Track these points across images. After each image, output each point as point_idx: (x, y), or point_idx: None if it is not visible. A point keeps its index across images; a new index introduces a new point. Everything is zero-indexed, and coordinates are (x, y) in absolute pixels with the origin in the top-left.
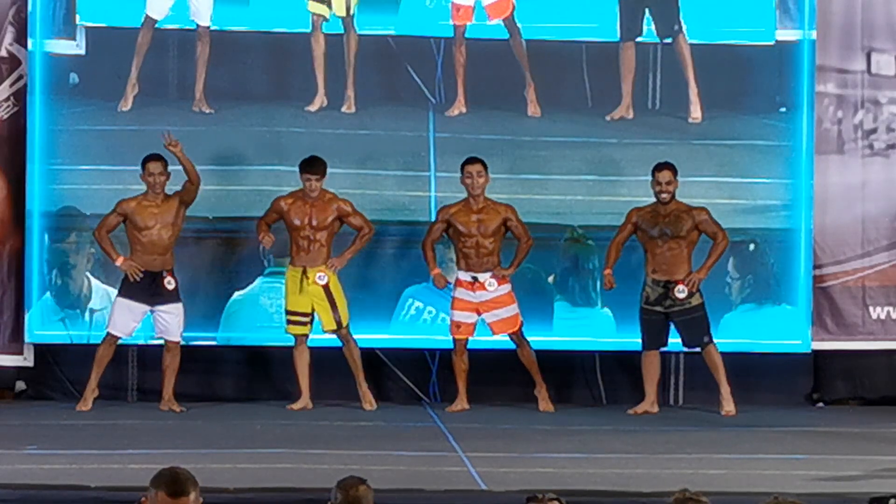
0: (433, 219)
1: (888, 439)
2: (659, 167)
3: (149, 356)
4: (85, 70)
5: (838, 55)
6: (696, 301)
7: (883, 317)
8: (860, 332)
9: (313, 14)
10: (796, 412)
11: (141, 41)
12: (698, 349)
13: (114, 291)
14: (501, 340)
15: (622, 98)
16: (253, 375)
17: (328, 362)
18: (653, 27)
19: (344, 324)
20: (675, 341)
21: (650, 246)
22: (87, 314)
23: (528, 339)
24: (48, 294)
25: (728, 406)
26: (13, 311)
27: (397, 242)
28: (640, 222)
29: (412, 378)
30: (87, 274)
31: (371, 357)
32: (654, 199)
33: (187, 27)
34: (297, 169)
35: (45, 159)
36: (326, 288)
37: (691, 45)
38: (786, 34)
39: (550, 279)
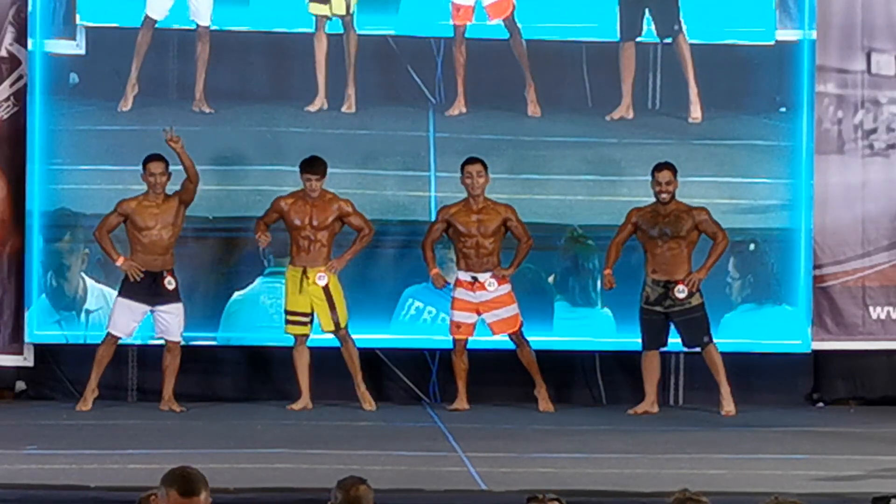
0: (433, 219)
1: (888, 439)
2: (659, 167)
3: (149, 356)
4: (85, 70)
5: (838, 55)
6: (696, 301)
7: (883, 317)
8: (860, 332)
9: (316, 15)
10: (796, 412)
11: (141, 41)
12: (698, 349)
13: (110, 291)
14: (501, 340)
15: (622, 98)
16: (253, 375)
17: (328, 362)
18: (653, 27)
19: (342, 325)
20: (675, 341)
21: (650, 246)
22: (82, 315)
23: (528, 339)
24: (45, 295)
25: (728, 406)
26: (13, 311)
27: (397, 242)
28: (640, 222)
29: (412, 378)
30: (82, 274)
31: (371, 357)
32: (654, 199)
33: (187, 27)
34: (297, 169)
35: (45, 159)
36: (326, 289)
37: (691, 45)
38: (786, 34)
39: (550, 279)
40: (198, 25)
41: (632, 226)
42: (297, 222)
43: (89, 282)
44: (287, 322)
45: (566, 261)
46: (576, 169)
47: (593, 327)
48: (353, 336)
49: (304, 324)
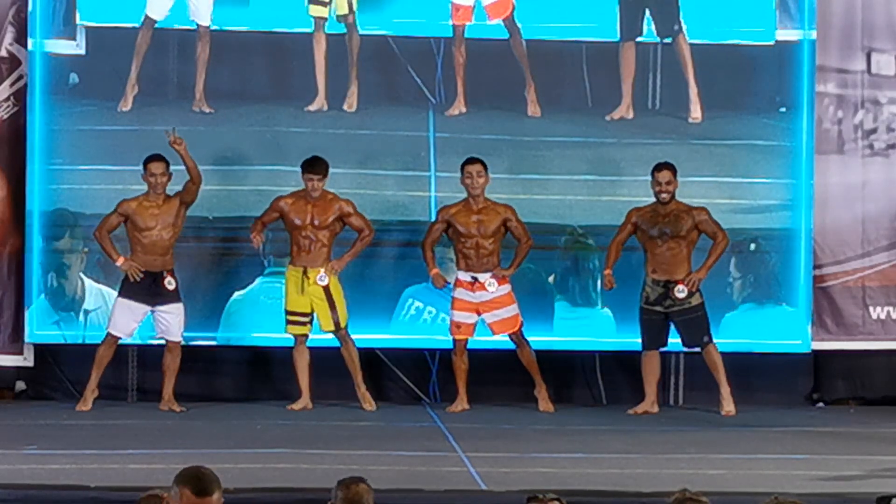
0: (433, 219)
1: (888, 439)
2: (659, 167)
3: (149, 356)
4: (85, 70)
5: (838, 55)
6: (695, 301)
7: (883, 317)
8: (860, 332)
9: (315, 17)
10: (796, 412)
11: (141, 41)
12: (698, 349)
13: (109, 291)
14: (501, 340)
15: (622, 98)
16: (253, 375)
17: (328, 362)
18: (653, 27)
19: (342, 325)
20: (675, 341)
21: (650, 246)
22: (81, 315)
23: (529, 339)
24: (45, 295)
25: (728, 406)
26: (13, 311)
27: (397, 242)
28: (640, 222)
29: (412, 378)
30: (81, 275)
31: (371, 357)
32: (654, 199)
33: (187, 27)
34: (297, 169)
35: (45, 159)
36: (326, 289)
37: (691, 45)
38: (786, 34)
39: (550, 279)
40: (198, 25)
41: (632, 226)
42: (298, 222)
43: (88, 282)
44: (287, 322)
45: (566, 261)
46: (576, 169)
47: (593, 327)
48: (353, 336)
49: (304, 324)
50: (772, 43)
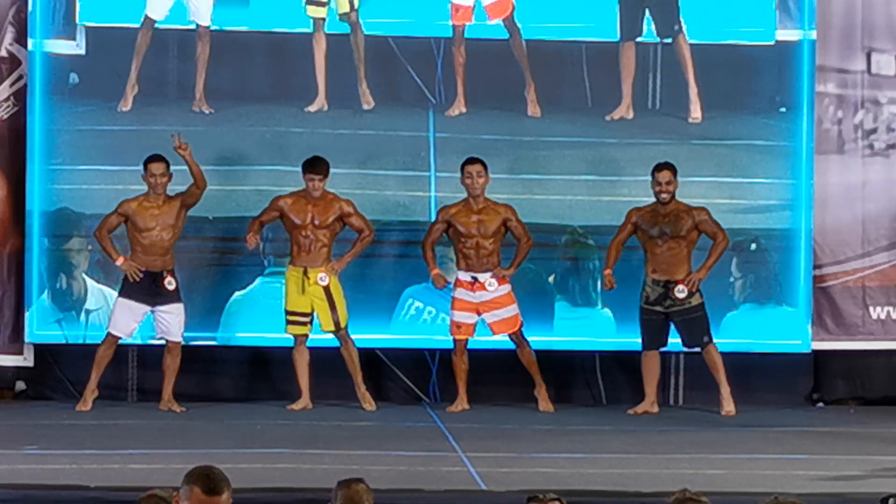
0: (433, 219)
1: (888, 439)
2: (659, 167)
3: (149, 356)
4: (85, 70)
5: (838, 55)
6: (695, 301)
7: (883, 317)
8: (860, 332)
9: (314, 18)
10: (796, 412)
11: (141, 41)
12: (698, 349)
13: (110, 292)
14: (501, 340)
15: (622, 98)
16: (253, 375)
17: (328, 362)
18: (653, 27)
19: (343, 325)
20: (675, 341)
21: (650, 246)
22: (82, 315)
23: (529, 339)
24: (45, 295)
25: (728, 406)
26: (13, 311)
27: (397, 242)
28: (640, 222)
29: (412, 378)
30: (84, 275)
31: (371, 357)
32: (654, 199)
33: (187, 27)
34: (297, 169)
35: (45, 159)
36: (327, 289)
37: (691, 45)
38: (786, 34)
39: (550, 279)
40: (198, 25)
41: (632, 226)
42: (298, 222)
43: (90, 282)
44: (287, 322)
45: (566, 261)
46: (576, 169)
47: (593, 327)
48: (353, 336)
49: (304, 324)
50: (772, 43)
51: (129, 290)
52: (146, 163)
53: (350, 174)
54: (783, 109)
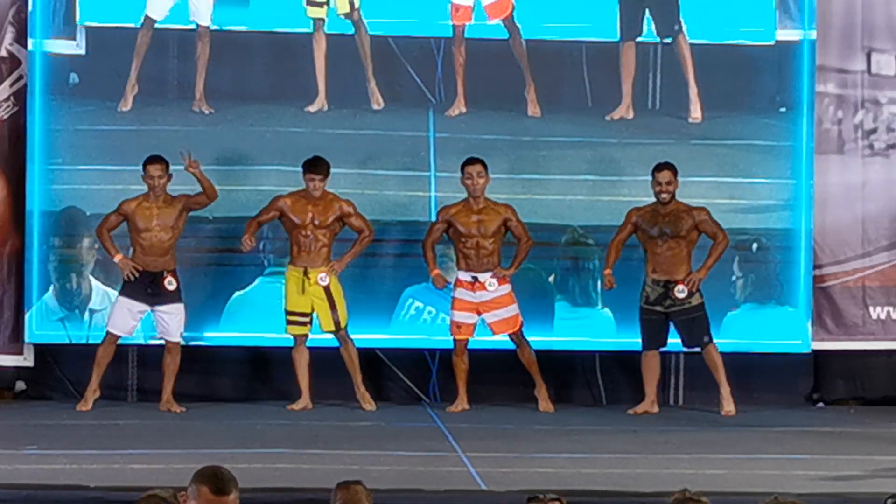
0: (433, 219)
1: (888, 439)
2: (659, 167)
3: (149, 356)
4: (85, 70)
5: (838, 55)
6: (695, 301)
7: (883, 317)
8: (860, 332)
9: (313, 18)
10: (796, 412)
11: (141, 41)
12: (698, 349)
13: (114, 293)
14: (501, 340)
15: (622, 98)
16: (253, 375)
17: (328, 362)
18: (653, 27)
19: (343, 325)
20: (675, 341)
21: (650, 246)
22: (86, 314)
23: (529, 339)
24: (50, 294)
25: (728, 406)
26: (13, 311)
27: (397, 242)
28: (640, 222)
29: (412, 378)
30: (90, 276)
31: (371, 357)
32: (654, 199)
33: (187, 27)
34: (297, 169)
35: (45, 159)
36: (327, 289)
37: (691, 45)
38: (786, 34)
39: (551, 279)
40: (198, 25)
41: (632, 225)
42: (298, 221)
43: (94, 282)
44: (287, 322)
45: (566, 261)
46: (576, 169)
47: (593, 327)
48: (353, 336)
49: (304, 324)
50: (772, 43)
51: (129, 289)
52: (145, 164)
53: (350, 174)
54: (783, 109)
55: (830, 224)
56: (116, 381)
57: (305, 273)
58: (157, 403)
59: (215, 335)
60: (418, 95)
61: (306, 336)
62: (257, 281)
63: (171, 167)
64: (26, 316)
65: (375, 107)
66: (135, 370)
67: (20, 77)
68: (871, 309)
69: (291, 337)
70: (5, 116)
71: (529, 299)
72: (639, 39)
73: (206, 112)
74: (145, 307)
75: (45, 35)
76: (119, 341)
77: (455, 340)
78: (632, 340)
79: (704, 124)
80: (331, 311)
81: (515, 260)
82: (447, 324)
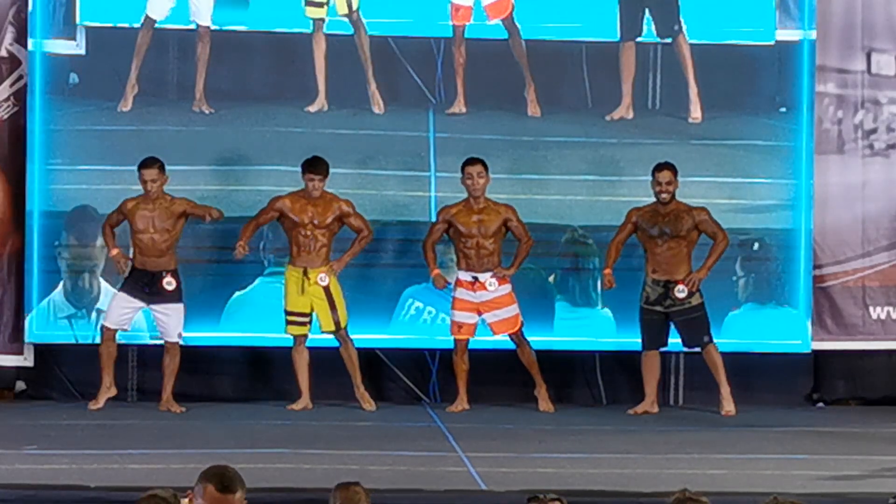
0: (433, 219)
1: (888, 439)
2: (659, 167)
3: (149, 356)
4: (85, 70)
5: (838, 55)
6: (696, 301)
7: (883, 317)
8: (860, 332)
9: (313, 19)
10: (796, 412)
11: (141, 41)
12: (698, 349)
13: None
14: (502, 340)
15: (622, 98)
16: (253, 375)
17: (328, 362)
18: (653, 27)
19: (342, 325)
20: (675, 341)
21: (650, 246)
22: (93, 314)
23: (529, 339)
24: (58, 291)
25: (728, 406)
26: (13, 311)
27: (397, 243)
28: (640, 222)
29: (412, 378)
30: (101, 276)
31: (371, 357)
32: (654, 199)
33: (187, 27)
34: (297, 169)
35: (45, 159)
36: (327, 289)
37: (691, 45)
38: (786, 34)
39: (551, 279)
40: (198, 25)
41: (632, 225)
42: (298, 221)
43: (104, 284)
44: (287, 322)
45: (566, 261)
46: (576, 169)
47: (593, 327)
48: (353, 336)
49: (304, 324)
50: (772, 43)
51: (128, 286)
52: (139, 168)
53: (350, 174)
54: (783, 109)
55: (830, 224)
56: (117, 381)
57: (305, 273)
58: (157, 403)
59: (215, 335)
60: (418, 95)
61: (306, 336)
62: (257, 281)
63: (171, 167)
64: (28, 315)
65: (376, 110)
66: (135, 370)
67: (20, 77)
68: (871, 309)
69: (291, 337)
70: (5, 116)
71: (529, 299)
72: (639, 39)
73: (206, 112)
74: (142, 304)
75: (45, 35)
76: (119, 339)
77: (456, 340)
78: (632, 340)
79: (704, 124)
80: (330, 311)
81: (516, 260)
82: (447, 324)
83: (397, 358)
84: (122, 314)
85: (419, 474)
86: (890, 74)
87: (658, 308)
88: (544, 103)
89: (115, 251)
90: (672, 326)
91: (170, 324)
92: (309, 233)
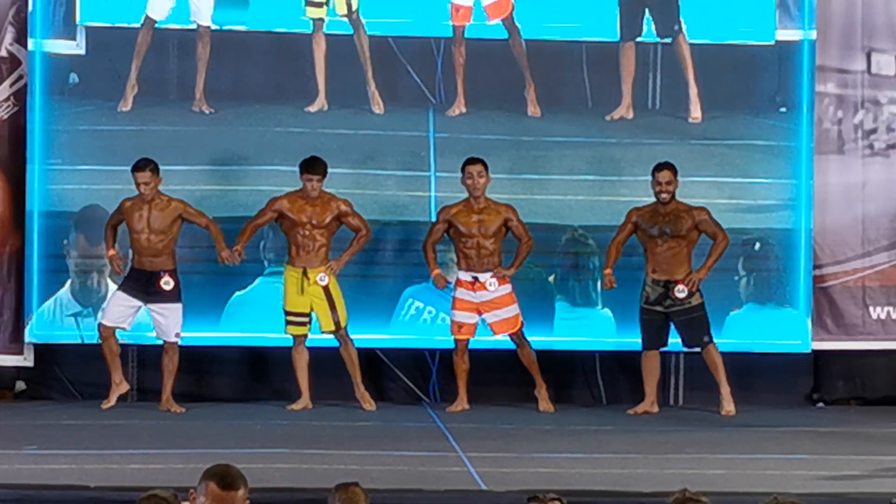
0: (433, 219)
1: (888, 439)
2: (659, 167)
3: (149, 356)
4: (85, 70)
5: (838, 55)
6: (696, 301)
7: (883, 317)
8: (860, 332)
9: (313, 19)
10: (796, 412)
11: (141, 41)
12: (698, 349)
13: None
14: (502, 340)
15: (622, 98)
16: (252, 375)
17: (328, 362)
18: (653, 27)
19: (342, 325)
20: (675, 341)
21: (650, 245)
22: (100, 313)
23: (529, 339)
24: (65, 290)
25: (728, 406)
26: (13, 311)
27: (397, 243)
28: (640, 222)
29: (412, 378)
30: (108, 276)
31: (371, 357)
32: (654, 199)
33: (187, 27)
34: (296, 169)
35: (45, 159)
36: (326, 289)
37: (691, 45)
38: (786, 34)
39: (551, 279)
40: (198, 25)
41: (632, 225)
42: (296, 221)
43: (112, 285)
44: (287, 323)
45: (566, 261)
46: (576, 169)
47: (593, 327)
48: (353, 336)
49: (304, 324)
50: (772, 43)
51: (127, 285)
52: (132, 170)
53: (350, 174)
54: (783, 109)
55: (830, 224)
56: None
57: (304, 273)
58: (156, 403)
59: (215, 335)
60: (418, 95)
61: (306, 336)
62: (257, 281)
63: (171, 167)
64: (34, 313)
65: (376, 110)
66: (134, 370)
67: (20, 77)
68: (871, 309)
69: (291, 337)
70: (5, 116)
71: (529, 299)
72: (639, 39)
73: (206, 112)
74: (140, 304)
75: (45, 35)
76: (122, 339)
77: (456, 340)
78: (632, 340)
79: (704, 124)
80: (330, 311)
81: (516, 260)
82: (447, 324)
83: (397, 358)
84: (120, 312)
85: (419, 474)
86: (890, 74)
87: (658, 308)
88: (544, 103)
89: (111, 252)
90: (672, 326)
91: (167, 324)
92: (307, 233)
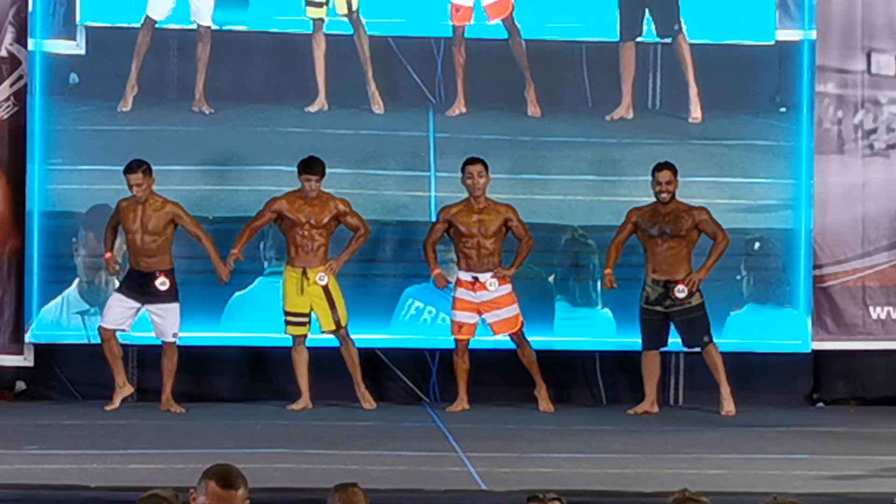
0: (433, 219)
1: (888, 439)
2: (659, 167)
3: (149, 356)
4: (85, 70)
5: (838, 55)
6: (696, 301)
7: (883, 317)
8: (860, 332)
9: (313, 19)
10: (796, 412)
11: (141, 41)
12: (698, 349)
13: None
14: (502, 340)
15: (622, 98)
16: (252, 375)
17: (327, 362)
18: (653, 27)
19: (343, 324)
20: (675, 341)
21: (650, 245)
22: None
23: (529, 339)
24: (73, 288)
25: (728, 406)
26: (13, 311)
27: (397, 243)
28: (640, 222)
29: (412, 378)
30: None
31: (371, 357)
32: (654, 199)
33: (187, 27)
34: (296, 169)
35: (45, 159)
36: (326, 288)
37: (691, 45)
38: (786, 34)
39: (551, 279)
40: (198, 25)
41: (632, 225)
42: (295, 221)
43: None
44: (286, 323)
45: (566, 261)
46: (576, 169)
47: (593, 327)
48: (353, 336)
49: (303, 324)
50: (772, 43)
51: (124, 286)
52: (124, 172)
53: (350, 174)
54: (783, 109)
55: (830, 224)
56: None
57: (304, 273)
58: (156, 403)
59: (215, 335)
60: (418, 95)
61: (305, 336)
62: (257, 281)
63: (171, 167)
64: (34, 313)
65: (376, 110)
66: (134, 370)
67: (20, 77)
68: (871, 309)
69: (290, 337)
70: (5, 116)
71: (529, 299)
72: (639, 39)
73: (206, 112)
74: (138, 305)
75: (45, 35)
76: (122, 340)
77: (456, 340)
78: (632, 340)
79: (704, 124)
80: (330, 311)
81: (516, 260)
82: (447, 324)
83: (397, 358)
84: (119, 314)
85: (419, 474)
86: (890, 74)
87: (658, 308)
88: (544, 103)
89: (107, 254)
90: (672, 326)
91: (164, 324)
92: (306, 233)
